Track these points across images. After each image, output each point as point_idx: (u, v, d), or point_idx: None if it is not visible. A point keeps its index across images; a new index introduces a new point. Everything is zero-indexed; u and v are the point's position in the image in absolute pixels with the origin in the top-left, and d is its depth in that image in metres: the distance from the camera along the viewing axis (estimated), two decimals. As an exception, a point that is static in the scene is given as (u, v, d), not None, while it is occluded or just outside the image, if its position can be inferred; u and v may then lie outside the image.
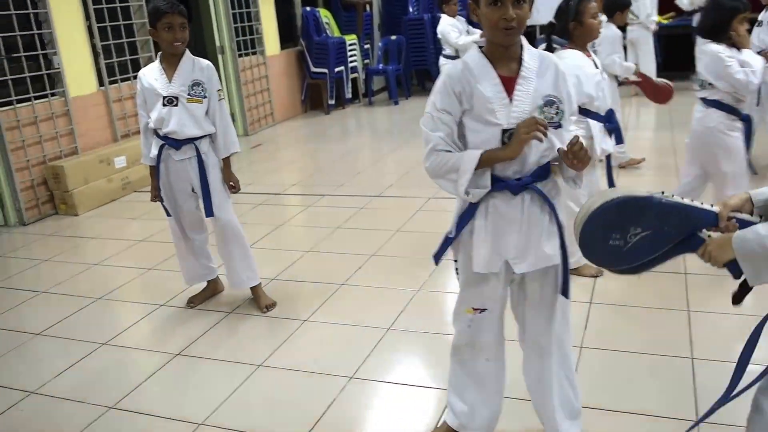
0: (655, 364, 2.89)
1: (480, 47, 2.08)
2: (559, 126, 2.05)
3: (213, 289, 3.92)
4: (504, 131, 2.00)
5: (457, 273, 2.27)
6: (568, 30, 3.49)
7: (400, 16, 11.05)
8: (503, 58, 2.03)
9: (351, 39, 10.17)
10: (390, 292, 3.77)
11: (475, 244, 2.12)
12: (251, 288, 3.78)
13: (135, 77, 6.70)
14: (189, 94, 3.43)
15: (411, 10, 10.96)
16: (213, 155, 3.57)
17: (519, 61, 2.03)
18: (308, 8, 9.92)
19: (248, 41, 8.95)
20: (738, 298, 1.71)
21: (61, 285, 4.30)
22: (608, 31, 5.39)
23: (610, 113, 3.59)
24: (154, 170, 3.58)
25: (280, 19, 9.62)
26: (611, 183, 3.69)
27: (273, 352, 3.24)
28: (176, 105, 3.43)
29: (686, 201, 1.71)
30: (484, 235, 2.10)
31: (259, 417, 2.76)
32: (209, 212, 3.56)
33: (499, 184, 2.04)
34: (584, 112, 3.45)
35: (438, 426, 2.55)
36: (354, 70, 10.36)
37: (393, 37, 10.64)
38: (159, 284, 4.18)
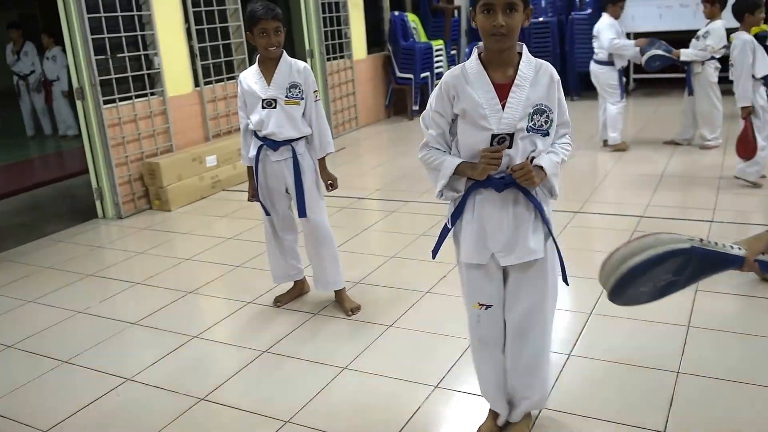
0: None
1: (479, 53, 2.19)
2: (546, 134, 2.19)
3: (300, 289, 4.00)
4: (494, 136, 2.14)
5: (435, 250, 2.43)
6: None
7: (488, 23, 10.96)
8: (499, 65, 2.16)
9: (438, 44, 10.17)
10: (475, 302, 3.75)
11: (463, 237, 2.31)
12: (335, 291, 3.83)
13: (228, 79, 6.97)
14: (287, 96, 3.51)
15: (499, 16, 10.84)
16: (308, 157, 3.64)
17: (515, 68, 2.16)
18: (396, 13, 9.98)
19: (336, 45, 9.08)
20: None
21: (154, 278, 4.47)
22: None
23: None
24: (252, 171, 3.68)
25: (369, 24, 9.73)
26: None
27: (358, 355, 3.27)
28: (275, 107, 3.51)
29: (719, 247, 1.75)
30: (472, 229, 2.27)
31: (343, 420, 2.79)
32: (302, 213, 3.62)
33: (484, 181, 2.20)
34: None
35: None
36: (440, 76, 10.35)
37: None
38: (246, 282, 4.29)
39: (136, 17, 6.04)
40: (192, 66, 6.60)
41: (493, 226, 2.24)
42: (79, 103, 5.76)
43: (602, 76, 7.12)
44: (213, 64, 6.85)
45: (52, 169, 8.89)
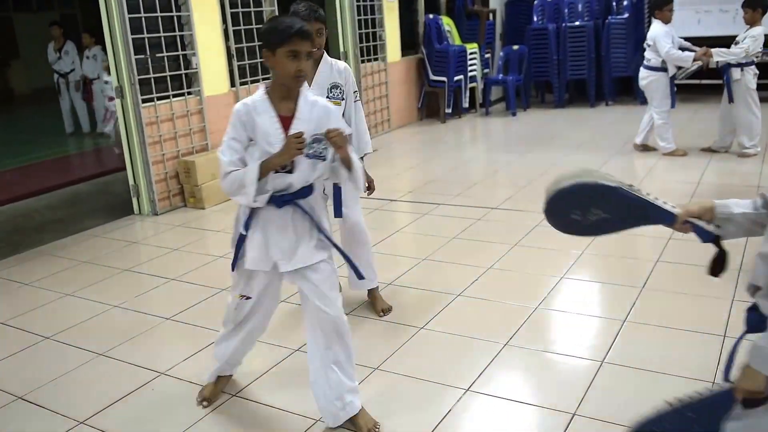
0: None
1: (266, 88, 2.53)
2: (324, 159, 2.55)
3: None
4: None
5: (234, 262, 2.68)
6: None
7: (524, 26, 10.93)
8: (284, 100, 2.51)
9: (472, 48, 10.15)
10: (507, 307, 3.74)
11: (248, 246, 2.60)
12: (369, 291, 3.84)
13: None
14: (327, 97, 3.48)
15: (535, 19, 10.80)
16: None
17: (295, 102, 2.51)
18: (431, 16, 9.99)
19: (371, 47, 9.11)
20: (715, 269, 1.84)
21: (188, 274, 4.52)
22: None
23: None
24: None
25: (403, 26, 9.75)
26: None
27: (389, 356, 3.28)
28: None
29: (650, 198, 1.82)
30: (254, 239, 2.59)
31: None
32: (338, 213, 3.63)
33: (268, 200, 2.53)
34: None
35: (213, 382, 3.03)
36: (473, 79, 10.34)
37: (515, 47, 10.54)
38: (279, 281, 4.32)
39: (175, 17, 6.12)
40: (228, 66, 6.67)
41: (276, 237, 2.57)
42: (118, 102, 5.86)
43: (653, 83, 7.00)
44: (249, 64, 6.92)
45: (90, 165, 9.04)
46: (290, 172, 2.50)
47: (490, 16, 10.97)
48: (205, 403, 2.97)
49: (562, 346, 3.31)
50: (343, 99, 3.55)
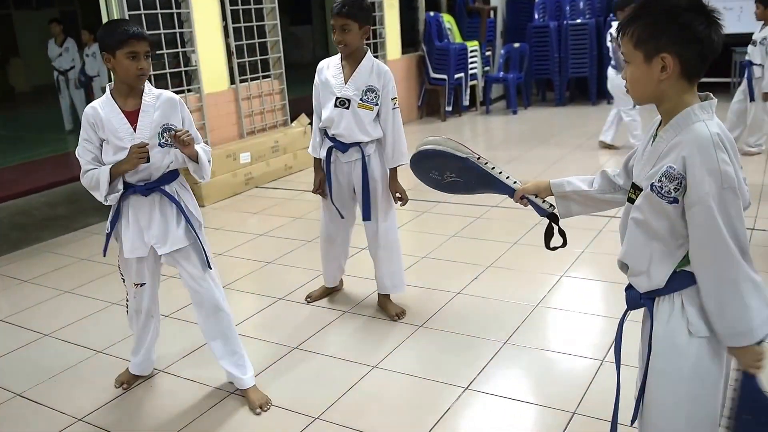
0: None
1: (110, 88, 2.73)
2: (172, 146, 2.70)
3: (334, 288, 4.00)
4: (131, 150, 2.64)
5: (104, 249, 2.90)
6: None
7: (525, 24, 10.91)
8: (128, 96, 2.70)
9: (473, 45, 10.13)
10: (507, 306, 3.73)
11: (123, 237, 2.83)
12: (384, 297, 3.79)
13: (264, 77, 7.02)
14: (361, 99, 3.38)
15: (536, 16, 10.79)
16: (379, 160, 3.53)
17: (140, 97, 2.70)
18: (432, 13, 9.97)
19: (371, 45, 9.09)
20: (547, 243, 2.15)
21: (188, 272, 4.50)
22: None
23: None
24: (319, 164, 3.61)
25: (403, 24, 9.72)
26: None
27: (388, 354, 3.27)
28: (347, 107, 3.39)
29: (495, 171, 2.06)
30: (128, 229, 2.79)
31: (372, 418, 2.79)
32: (366, 216, 3.55)
33: (131, 188, 2.74)
34: None
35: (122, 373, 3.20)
36: (474, 77, 10.32)
37: (516, 45, 10.52)
38: (278, 278, 4.32)
39: (175, 15, 6.11)
40: (228, 64, 6.66)
41: (147, 223, 2.78)
42: (117, 99, 5.84)
43: (617, 82, 7.08)
44: (249, 62, 6.91)
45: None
46: (147, 161, 2.65)
47: (491, 13, 10.94)
48: (125, 386, 3.16)
49: (562, 344, 3.30)
50: (376, 104, 3.41)
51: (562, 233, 2.09)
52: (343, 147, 3.47)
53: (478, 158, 2.06)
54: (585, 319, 3.55)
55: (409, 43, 9.97)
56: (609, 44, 7.15)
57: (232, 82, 6.74)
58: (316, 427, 2.75)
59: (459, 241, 4.85)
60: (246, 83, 6.88)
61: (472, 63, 10.13)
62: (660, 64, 1.61)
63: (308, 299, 3.93)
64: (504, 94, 10.83)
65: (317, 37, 12.94)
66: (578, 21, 10.35)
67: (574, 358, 3.16)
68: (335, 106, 3.41)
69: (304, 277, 4.23)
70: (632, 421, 1.89)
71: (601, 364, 3.06)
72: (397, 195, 3.61)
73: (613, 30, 7.01)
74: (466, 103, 10.29)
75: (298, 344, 3.42)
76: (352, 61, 3.42)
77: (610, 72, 7.26)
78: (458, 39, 10.24)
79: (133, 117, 2.69)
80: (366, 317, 3.71)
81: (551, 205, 2.06)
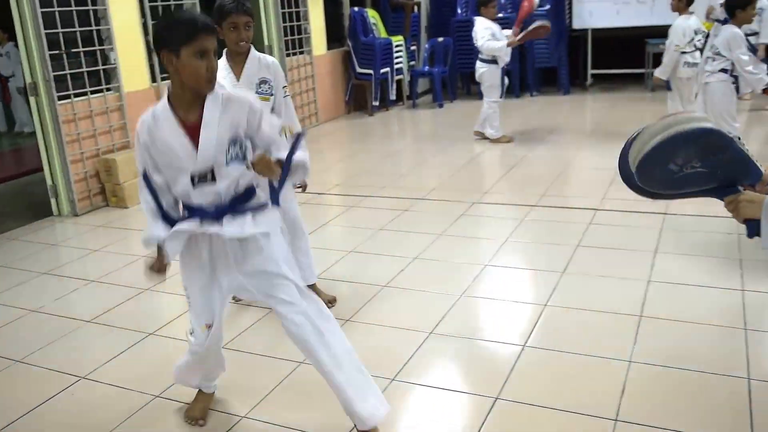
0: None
1: (168, 94, 2.25)
2: (245, 159, 2.31)
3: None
4: (192, 177, 2.26)
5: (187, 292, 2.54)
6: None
7: (449, 18, 11.04)
8: (189, 106, 2.22)
9: (398, 40, 10.20)
10: (432, 296, 3.79)
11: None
12: (310, 287, 3.80)
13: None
14: (257, 92, 3.43)
15: (459, 11, 10.92)
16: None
17: (202, 106, 2.22)
18: (356, 9, 9.99)
19: (296, 41, 9.05)
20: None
21: (110, 275, 4.42)
22: None
23: None
24: None
25: (328, 19, 9.71)
26: None
27: (315, 350, 3.28)
28: None
29: (750, 153, 1.76)
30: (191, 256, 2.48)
31: (299, 413, 2.80)
32: (275, 201, 3.58)
33: (196, 212, 2.35)
34: None
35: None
36: (399, 71, 10.39)
37: (440, 39, 10.63)
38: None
39: (91, 12, 5.94)
40: (149, 61, 6.52)
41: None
42: (32, 99, 5.67)
43: (485, 75, 7.44)
44: (170, 59, 6.77)
45: (8, 166, 8.70)
46: (213, 180, 2.30)
47: (415, 8, 11.03)
48: (201, 422, 2.77)
49: (485, 332, 3.38)
50: (272, 94, 3.49)
51: None
52: None
53: (739, 139, 1.75)
54: (508, 307, 3.64)
55: (334, 38, 9.97)
56: (480, 40, 7.33)
57: (154, 80, 6.61)
58: (242, 425, 2.74)
59: (386, 234, 4.89)
60: (168, 81, 6.73)
61: (397, 57, 10.20)
62: None
63: (236, 300, 3.90)
64: (430, 87, 10.96)
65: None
66: (500, 15, 10.50)
67: (497, 345, 3.24)
68: None
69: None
70: None
71: (522, 350, 3.15)
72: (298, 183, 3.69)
73: (479, 27, 7.31)
74: (393, 97, 10.36)
75: (225, 344, 3.37)
76: (238, 58, 3.45)
77: (477, 64, 7.53)
78: (383, 34, 10.29)
79: (194, 131, 2.27)
80: (293, 314, 3.70)
81: None
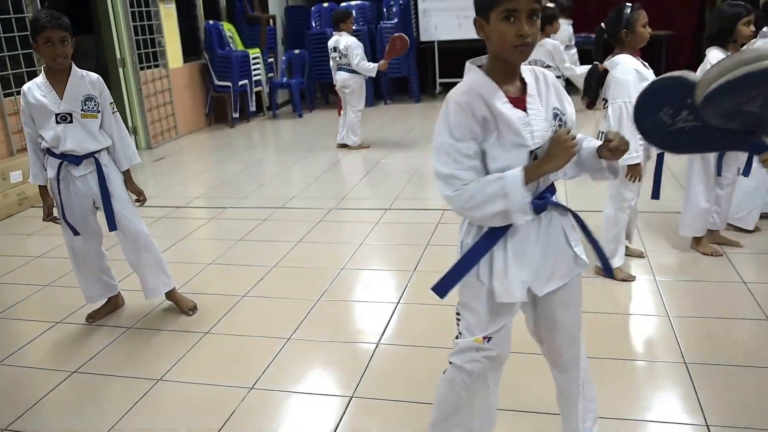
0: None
1: (478, 66, 1.95)
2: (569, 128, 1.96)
3: (113, 304, 3.90)
4: (530, 152, 1.89)
5: (458, 315, 2.13)
6: (620, 37, 3.69)
7: (304, 31, 11.23)
8: (508, 79, 1.91)
9: (255, 53, 10.21)
10: (290, 303, 3.86)
11: (496, 274, 1.97)
12: (169, 294, 3.81)
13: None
14: (83, 110, 3.39)
15: (314, 25, 11.14)
16: (114, 167, 3.57)
17: (521, 79, 1.94)
18: (211, 22, 9.91)
19: (150, 54, 8.85)
20: None
21: None
22: None
23: None
24: (46, 190, 3.56)
25: (183, 32, 9.57)
26: (658, 180, 3.87)
27: (173, 365, 3.26)
28: (71, 122, 3.38)
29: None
30: (505, 262, 1.97)
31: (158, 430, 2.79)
32: (112, 226, 3.54)
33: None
34: None
35: None
36: (258, 83, 10.40)
37: (296, 51, 10.78)
38: (56, 301, 4.13)
39: None
40: (-13, 77, 6.20)
41: (529, 253, 1.97)
42: None
43: (352, 84, 7.77)
44: (13, 74, 6.47)
45: None
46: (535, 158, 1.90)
47: (271, 21, 11.08)
48: None
49: (342, 333, 3.49)
50: (98, 111, 3.44)
51: None
52: (77, 160, 3.45)
53: None
54: (363, 307, 3.79)
55: (190, 51, 9.82)
56: (340, 54, 7.72)
57: (-6, 96, 6.30)
58: None
59: (246, 244, 4.92)
60: (12, 97, 6.44)
61: (255, 70, 10.21)
62: None
63: (90, 319, 3.80)
64: (289, 98, 11.04)
65: (101, 46, 12.36)
66: (353, 28, 10.79)
67: (352, 345, 3.36)
68: (57, 123, 3.37)
69: (87, 302, 4.08)
70: None
71: (376, 347, 3.28)
72: (137, 196, 3.68)
73: (353, 43, 7.64)
74: (253, 108, 10.37)
75: (77, 368, 3.30)
76: (60, 75, 3.37)
77: (343, 74, 7.77)
78: (240, 47, 10.26)
79: (519, 104, 1.90)
80: (151, 330, 3.66)
81: None
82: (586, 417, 2.29)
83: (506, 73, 1.91)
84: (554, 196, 2.01)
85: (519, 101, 1.89)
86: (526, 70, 1.96)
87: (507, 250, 1.96)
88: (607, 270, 2.26)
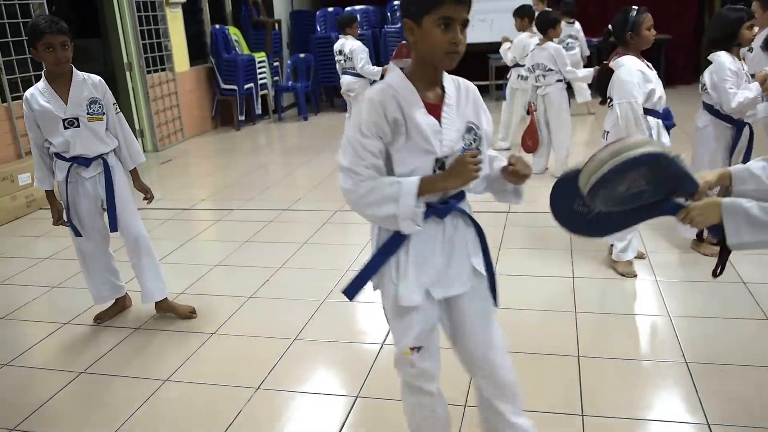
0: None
1: (401, 69, 1.94)
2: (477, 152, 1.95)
3: (121, 305, 3.94)
4: (437, 160, 1.90)
5: (385, 311, 2.13)
6: (625, 39, 3.77)
7: (309, 35, 11.30)
8: (429, 84, 1.93)
9: (260, 56, 10.28)
10: (296, 303, 3.90)
11: (401, 276, 1.99)
12: (162, 304, 3.83)
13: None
14: (89, 113, 3.43)
15: (319, 29, 11.24)
16: (120, 168, 3.62)
17: (441, 87, 1.95)
18: (217, 26, 9.98)
19: (157, 58, 8.92)
20: (718, 271, 1.95)
21: None
22: None
23: (667, 111, 3.87)
24: (52, 194, 3.60)
25: (190, 36, 9.64)
26: None
27: (180, 366, 3.29)
28: (78, 126, 3.42)
29: (687, 168, 1.85)
30: (408, 265, 1.98)
31: (167, 430, 2.82)
32: (113, 227, 3.58)
33: (426, 210, 1.90)
34: (645, 110, 3.73)
35: None
36: (264, 87, 10.47)
37: (302, 55, 10.86)
38: (64, 302, 4.17)
39: None
40: (-4, 81, 6.27)
41: (431, 256, 1.99)
42: None
43: (357, 88, 7.71)
44: (22, 78, 6.54)
45: None
46: (442, 168, 1.91)
47: (276, 26, 11.15)
48: None
49: (347, 334, 3.52)
50: (103, 113, 3.49)
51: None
52: (87, 162, 3.49)
53: (679, 156, 1.81)
54: (368, 309, 3.80)
55: (197, 55, 9.90)
56: (345, 57, 7.65)
57: (4, 100, 6.35)
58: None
59: (252, 245, 4.96)
60: (20, 101, 6.48)
61: (261, 73, 10.28)
62: None
63: (97, 320, 3.85)
64: (295, 101, 11.10)
65: (108, 50, 12.48)
66: (358, 31, 10.87)
67: (358, 346, 3.40)
68: (65, 128, 3.41)
69: (94, 302, 4.12)
70: None
71: (381, 347, 3.32)
72: (145, 194, 3.74)
73: (358, 47, 7.58)
74: (259, 111, 10.43)
75: (85, 368, 3.34)
76: (62, 80, 3.40)
77: (348, 78, 7.72)
78: (246, 51, 10.34)
79: (435, 111, 1.90)
80: (158, 331, 3.70)
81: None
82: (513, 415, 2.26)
83: (428, 79, 1.92)
84: (464, 203, 2.03)
85: (434, 108, 1.90)
86: (448, 79, 1.97)
87: (408, 254, 1.97)
88: (494, 299, 2.13)
